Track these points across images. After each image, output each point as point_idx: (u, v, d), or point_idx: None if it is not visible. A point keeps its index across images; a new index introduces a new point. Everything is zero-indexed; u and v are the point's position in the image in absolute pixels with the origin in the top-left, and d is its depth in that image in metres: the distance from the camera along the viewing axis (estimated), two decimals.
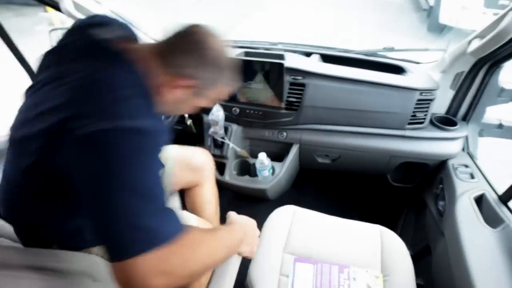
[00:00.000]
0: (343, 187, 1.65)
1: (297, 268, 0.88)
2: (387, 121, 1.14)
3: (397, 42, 1.32)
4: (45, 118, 0.53)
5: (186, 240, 0.52)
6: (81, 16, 1.14)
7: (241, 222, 0.78)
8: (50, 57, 0.65)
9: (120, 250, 0.47)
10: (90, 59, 0.57)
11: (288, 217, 1.00)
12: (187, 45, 0.61)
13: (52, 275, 0.58)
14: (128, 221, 0.47)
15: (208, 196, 1.14)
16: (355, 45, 1.42)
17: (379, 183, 1.38)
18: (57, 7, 1.08)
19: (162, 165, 0.60)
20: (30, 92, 0.62)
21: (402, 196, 1.43)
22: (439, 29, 4.02)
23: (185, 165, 1.09)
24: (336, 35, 4.02)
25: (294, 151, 1.26)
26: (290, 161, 1.25)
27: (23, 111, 0.61)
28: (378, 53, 1.32)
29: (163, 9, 4.74)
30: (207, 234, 0.62)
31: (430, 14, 4.29)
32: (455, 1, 3.64)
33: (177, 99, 0.64)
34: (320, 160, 1.30)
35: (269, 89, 1.17)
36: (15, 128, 0.61)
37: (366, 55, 1.32)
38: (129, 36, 0.69)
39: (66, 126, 0.49)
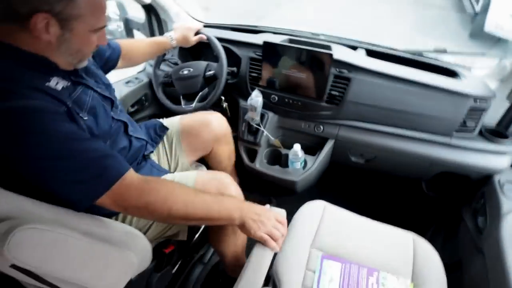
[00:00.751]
0: (370, 188, 1.60)
1: (324, 264, 0.86)
2: (434, 126, 1.08)
3: (435, 44, 1.24)
4: None
5: (137, 180, 0.61)
6: None
7: (254, 205, 0.74)
8: None
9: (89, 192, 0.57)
10: None
11: (318, 212, 0.97)
12: None
13: (100, 240, 0.59)
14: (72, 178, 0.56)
15: (224, 152, 1.19)
16: (389, 42, 1.35)
17: (410, 189, 1.33)
18: None
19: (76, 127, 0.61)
20: None
21: (435, 206, 1.37)
22: (483, 37, 3.79)
23: (196, 132, 1.10)
24: (372, 29, 3.86)
25: (328, 146, 1.22)
26: (323, 156, 1.21)
27: None
28: (427, 54, 1.25)
29: None
30: (171, 183, 0.67)
31: (474, 20, 4.05)
32: (505, 9, 3.40)
33: (53, 45, 0.58)
34: (353, 158, 1.26)
35: (310, 79, 1.13)
36: None
37: (414, 54, 1.25)
38: None
39: None
